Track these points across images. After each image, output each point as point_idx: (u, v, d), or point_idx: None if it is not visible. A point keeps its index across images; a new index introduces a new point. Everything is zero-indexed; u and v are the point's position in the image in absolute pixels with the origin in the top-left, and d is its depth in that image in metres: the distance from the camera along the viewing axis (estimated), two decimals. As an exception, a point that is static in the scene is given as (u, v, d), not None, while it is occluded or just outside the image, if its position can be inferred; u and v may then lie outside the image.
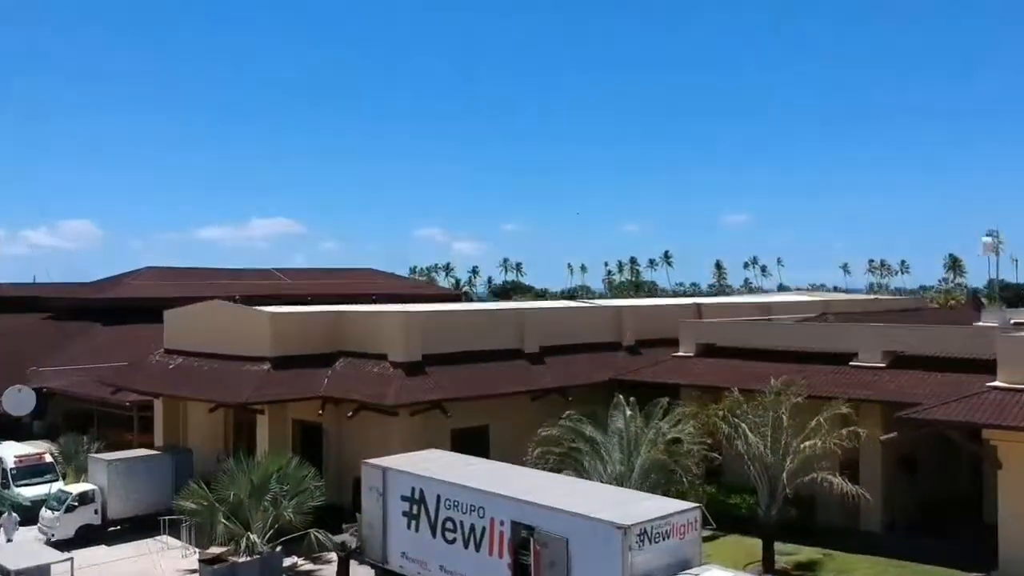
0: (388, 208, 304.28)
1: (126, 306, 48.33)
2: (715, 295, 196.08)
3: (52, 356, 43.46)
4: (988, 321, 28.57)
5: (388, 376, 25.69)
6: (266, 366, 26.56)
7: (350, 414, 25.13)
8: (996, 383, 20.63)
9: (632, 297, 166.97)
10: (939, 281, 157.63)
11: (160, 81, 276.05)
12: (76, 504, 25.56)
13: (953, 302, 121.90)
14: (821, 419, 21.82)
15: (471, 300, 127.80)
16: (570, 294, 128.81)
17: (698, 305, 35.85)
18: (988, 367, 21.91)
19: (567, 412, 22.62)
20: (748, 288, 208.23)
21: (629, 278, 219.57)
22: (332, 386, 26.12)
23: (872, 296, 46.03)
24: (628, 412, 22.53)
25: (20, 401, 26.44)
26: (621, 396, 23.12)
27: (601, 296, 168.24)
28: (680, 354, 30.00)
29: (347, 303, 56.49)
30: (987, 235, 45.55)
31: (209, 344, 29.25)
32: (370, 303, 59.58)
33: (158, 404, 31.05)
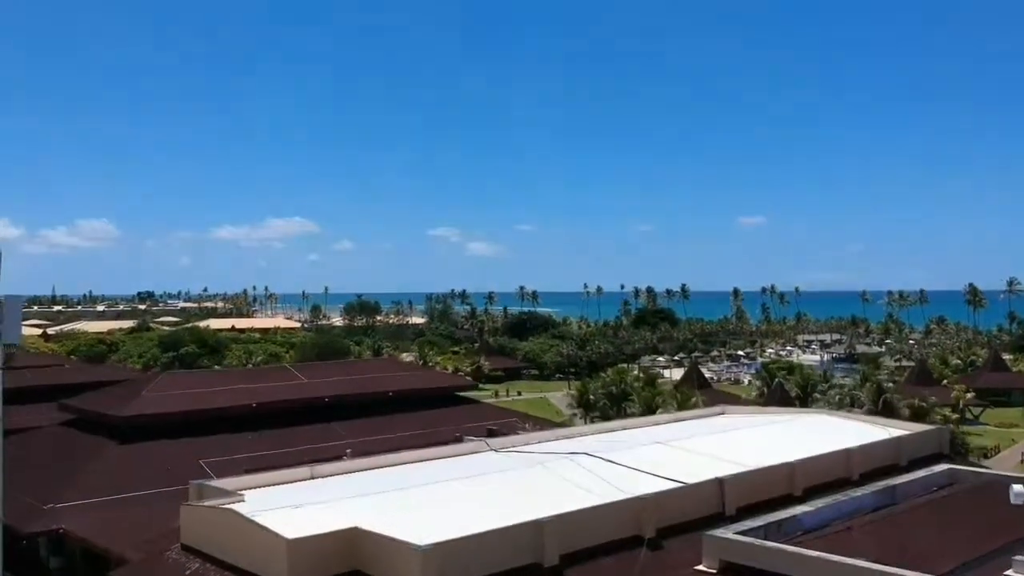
0: (403, 208, 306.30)
1: (143, 424, 48.42)
2: (732, 329, 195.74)
3: (67, 486, 43.41)
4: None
5: (405, 620, 25.31)
6: (282, 599, 26.26)
7: (366, 663, 24.80)
8: None
9: (650, 325, 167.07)
10: (958, 326, 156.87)
11: (172, 83, 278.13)
12: None
13: (974, 357, 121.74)
14: None
15: (487, 344, 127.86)
16: (583, 340, 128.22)
17: (720, 482, 35.26)
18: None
19: None
20: (767, 320, 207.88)
21: (646, 304, 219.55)
22: (348, 625, 25.82)
23: (894, 433, 45.76)
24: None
25: None
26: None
27: (618, 325, 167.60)
28: (702, 568, 29.56)
29: (366, 403, 57.02)
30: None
31: (225, 552, 28.92)
32: (386, 399, 59.79)
33: (174, 613, 30.88)
